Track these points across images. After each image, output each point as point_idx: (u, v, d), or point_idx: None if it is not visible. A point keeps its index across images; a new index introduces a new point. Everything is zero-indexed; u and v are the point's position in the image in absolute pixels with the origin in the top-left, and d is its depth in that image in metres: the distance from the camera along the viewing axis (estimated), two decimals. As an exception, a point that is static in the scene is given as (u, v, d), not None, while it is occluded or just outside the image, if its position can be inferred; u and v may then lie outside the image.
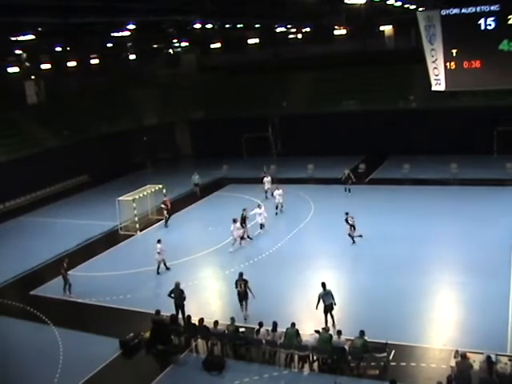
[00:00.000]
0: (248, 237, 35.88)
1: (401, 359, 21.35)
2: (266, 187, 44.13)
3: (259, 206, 37.20)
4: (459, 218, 36.44)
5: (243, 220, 35.68)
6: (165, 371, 22.62)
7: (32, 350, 25.21)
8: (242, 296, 25.87)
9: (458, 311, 25.51)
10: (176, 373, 22.57)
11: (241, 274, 26.34)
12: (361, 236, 33.35)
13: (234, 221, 34.34)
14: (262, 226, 36.99)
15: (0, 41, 40.50)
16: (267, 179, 44.43)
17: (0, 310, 29.69)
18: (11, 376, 23.31)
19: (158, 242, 32.06)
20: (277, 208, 40.37)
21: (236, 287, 26.01)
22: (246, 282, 25.90)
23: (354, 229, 33.42)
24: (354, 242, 33.43)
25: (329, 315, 24.21)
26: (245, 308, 25.92)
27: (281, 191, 40.17)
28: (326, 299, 24.06)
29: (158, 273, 31.90)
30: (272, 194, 42.80)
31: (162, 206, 40.38)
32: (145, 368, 23.14)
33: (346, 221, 33.37)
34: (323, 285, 24.44)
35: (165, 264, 32.17)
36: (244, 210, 36.46)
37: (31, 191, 51.45)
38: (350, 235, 33.44)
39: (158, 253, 31.77)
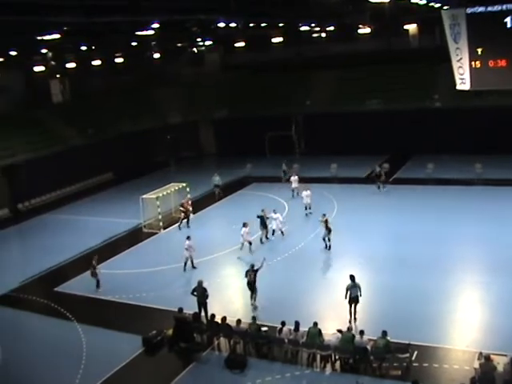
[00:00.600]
0: (266, 237, 35.53)
1: (423, 360, 21.24)
2: (293, 186, 44.12)
3: (274, 211, 36.36)
4: (483, 218, 36.11)
5: (263, 220, 35.28)
6: (187, 369, 22.71)
7: (55, 346, 25.45)
8: (252, 286, 26.93)
9: (481, 312, 25.30)
10: (198, 371, 22.63)
11: (252, 266, 27.24)
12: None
13: (244, 224, 33.67)
14: (274, 231, 36.04)
15: (26, 40, 40.90)
16: (294, 178, 44.40)
17: (25, 305, 30.09)
18: (35, 372, 23.53)
19: (188, 238, 32.15)
20: (306, 209, 40.06)
21: (246, 277, 27.09)
22: (255, 272, 26.99)
23: (330, 232, 33.01)
24: (327, 247, 33.21)
25: (353, 307, 24.76)
26: (254, 298, 27.04)
27: (309, 192, 39.96)
28: (353, 291, 24.62)
29: (185, 270, 31.94)
30: (298, 194, 43.06)
31: (181, 208, 39.99)
32: (167, 365, 23.25)
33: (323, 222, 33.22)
34: (352, 277, 24.87)
35: (192, 262, 32.18)
36: (262, 210, 35.81)
37: (56, 189, 52.02)
38: (324, 239, 33.22)
39: (186, 249, 31.81)
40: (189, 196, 42.02)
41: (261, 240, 35.16)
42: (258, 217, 35.33)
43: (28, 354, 24.94)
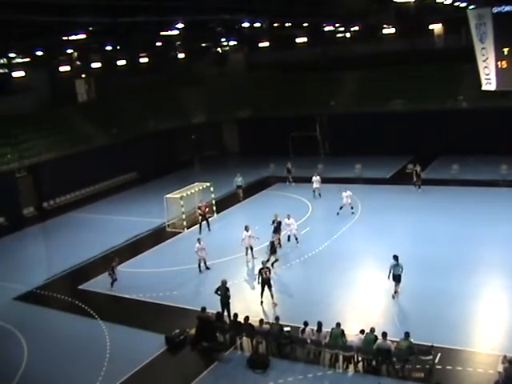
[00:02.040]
0: (279, 244, 33.99)
1: (447, 363, 21.06)
2: (314, 186, 44.09)
3: (288, 217, 34.70)
4: (508, 220, 35.74)
5: (278, 226, 34.08)
6: (209, 368, 22.75)
7: (79, 343, 25.65)
8: (266, 283, 27.17)
9: (506, 315, 24.97)
10: (220, 370, 22.67)
11: (264, 263, 27.94)
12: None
13: (246, 228, 32.97)
14: (289, 237, 34.90)
15: (52, 40, 41.32)
16: (316, 178, 44.32)
17: (49, 303, 30.43)
18: (58, 369, 23.74)
19: (198, 241, 32.27)
20: (341, 208, 39.51)
21: (259, 275, 27.34)
22: (269, 269, 27.56)
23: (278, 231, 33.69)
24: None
25: (395, 285, 26.84)
26: (271, 296, 27.32)
27: (349, 192, 39.56)
28: (396, 270, 26.52)
29: (200, 271, 32.13)
30: (320, 195, 43.43)
31: (198, 211, 39.70)
32: (189, 364, 23.35)
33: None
34: (395, 257, 26.66)
35: (205, 263, 32.32)
36: (275, 215, 34.56)
37: (81, 188, 52.48)
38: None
39: (196, 252, 31.98)
40: (208, 198, 41.78)
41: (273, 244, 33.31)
42: (273, 222, 34.19)
43: (52, 350, 25.23)
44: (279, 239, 33.85)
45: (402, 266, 26.47)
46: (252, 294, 29.43)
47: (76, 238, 40.30)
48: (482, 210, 38.23)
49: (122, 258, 34.33)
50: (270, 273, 27.35)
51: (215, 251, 33.48)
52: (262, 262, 27.84)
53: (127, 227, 41.04)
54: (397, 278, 26.62)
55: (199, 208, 39.70)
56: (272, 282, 27.40)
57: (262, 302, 27.37)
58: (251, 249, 33.17)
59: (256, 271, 28.89)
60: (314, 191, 44.27)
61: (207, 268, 32.32)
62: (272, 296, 27.30)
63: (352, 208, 39.74)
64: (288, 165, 49.93)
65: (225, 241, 36.11)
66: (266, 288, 27.25)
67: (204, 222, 39.36)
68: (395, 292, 26.81)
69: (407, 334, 20.92)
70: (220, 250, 34.06)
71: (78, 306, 29.24)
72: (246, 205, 45.33)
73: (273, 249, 31.93)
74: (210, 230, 39.24)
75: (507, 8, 22.32)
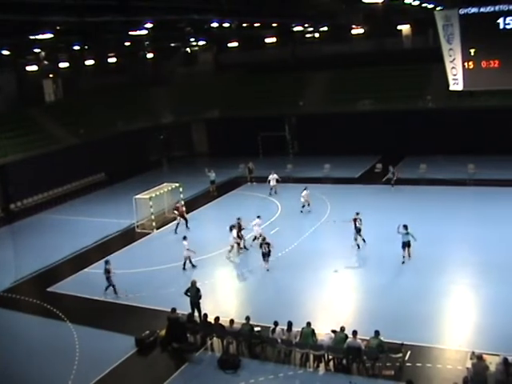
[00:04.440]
0: (244, 247, 34.49)
1: (416, 360, 21.27)
2: (271, 184, 44.82)
3: (259, 217, 35.26)
4: (476, 219, 36.25)
5: (239, 229, 34.19)
6: (180, 369, 22.66)
7: (48, 346, 25.38)
8: (266, 255, 30.81)
9: (474, 312, 25.36)
10: (191, 371, 22.57)
11: (264, 239, 31.42)
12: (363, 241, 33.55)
13: (231, 228, 33.78)
14: (255, 238, 34.50)
15: (19, 40, 40.82)
16: (272, 176, 44.93)
17: (17, 306, 29.96)
18: (27, 372, 23.43)
19: (184, 238, 32.25)
20: (309, 205, 40.35)
21: (261, 248, 30.98)
22: (268, 244, 30.79)
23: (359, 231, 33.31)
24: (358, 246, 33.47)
25: (406, 250, 30.14)
26: (267, 262, 30.90)
27: (305, 192, 39.90)
28: (405, 237, 29.73)
29: (184, 268, 32.00)
30: (276, 192, 44.62)
31: (175, 211, 39.69)
32: (160, 366, 23.20)
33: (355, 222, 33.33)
34: (405, 226, 29.70)
35: (190, 261, 32.21)
36: (239, 219, 34.60)
37: (49, 189, 51.74)
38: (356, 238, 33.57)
39: (188, 249, 31.89)
40: (178, 199, 41.59)
41: (238, 246, 34.21)
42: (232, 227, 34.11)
43: (20, 354, 24.84)
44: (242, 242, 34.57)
45: (411, 234, 29.64)
46: (223, 294, 29.48)
47: (44, 240, 39.85)
48: (449, 209, 38.66)
49: (92, 259, 34.08)
50: (269, 246, 30.73)
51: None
52: (263, 238, 31.47)
53: (96, 228, 40.66)
54: (407, 244, 29.85)
55: (176, 209, 39.63)
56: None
57: (266, 267, 30.96)
58: (238, 245, 33.92)
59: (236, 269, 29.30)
60: (271, 189, 44.91)
61: (193, 266, 32.20)
62: (267, 262, 30.88)
63: (309, 205, 40.23)
64: (249, 164, 50.27)
65: (194, 241, 35.93)
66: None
67: (180, 222, 39.32)
68: (408, 256, 30.22)
69: (377, 333, 21.06)
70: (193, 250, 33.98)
71: (47, 309, 28.85)
72: (215, 205, 45.27)
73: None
74: (188, 228, 39.15)
75: (473, 10, 22.59)
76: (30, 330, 27.46)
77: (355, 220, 33.03)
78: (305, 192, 40.21)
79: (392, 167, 45.20)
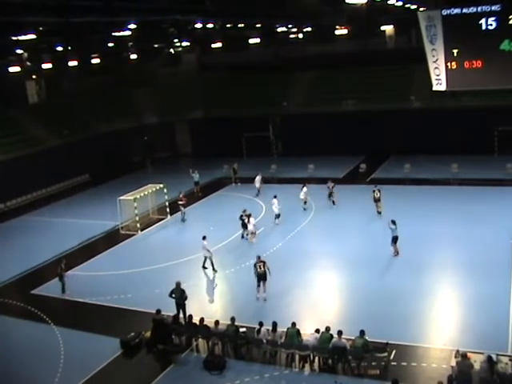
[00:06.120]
0: (245, 235, 36.14)
1: (401, 359, 21.36)
2: (257, 185, 45.21)
3: (275, 197, 38.49)
4: (460, 218, 36.47)
5: (248, 219, 35.69)
6: (165, 371, 22.61)
7: (33, 349, 25.19)
8: (262, 277, 27.22)
9: (458, 311, 25.53)
10: (177, 372, 22.54)
11: (258, 257, 27.86)
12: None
13: (247, 217, 35.58)
14: (276, 216, 38.26)
15: (1, 40, 40.47)
16: (258, 178, 45.42)
17: (1, 309, 29.68)
18: (12, 376, 23.27)
19: (204, 238, 32.01)
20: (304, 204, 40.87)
21: (255, 269, 27.32)
22: (264, 262, 27.42)
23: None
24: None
25: (395, 245, 31.00)
26: (263, 290, 27.36)
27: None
28: (394, 232, 30.82)
29: (204, 267, 31.98)
30: (260, 193, 45.11)
31: (180, 202, 40.96)
32: (145, 367, 23.13)
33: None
34: (393, 222, 30.82)
35: (212, 263, 31.82)
36: (244, 211, 36.58)
37: (32, 190, 51.33)
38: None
39: (208, 250, 31.77)
40: (162, 200, 42.33)
41: (242, 236, 36.15)
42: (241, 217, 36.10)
43: (4, 357, 24.68)
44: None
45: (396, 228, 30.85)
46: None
47: (28, 242, 39.54)
48: (433, 208, 38.89)
49: (76, 261, 33.93)
50: (264, 266, 27.29)
51: (170, 253, 33.55)
52: (258, 256, 27.89)
53: (80, 230, 40.46)
54: (395, 240, 30.84)
55: (181, 199, 40.99)
56: (268, 276, 27.42)
57: (257, 298, 27.50)
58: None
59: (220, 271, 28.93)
60: (258, 190, 45.29)
61: (214, 270, 31.81)
62: (264, 290, 27.38)
63: (305, 203, 40.55)
64: (234, 165, 50.36)
65: (179, 241, 35.97)
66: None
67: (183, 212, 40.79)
68: (397, 253, 31.10)
69: (362, 332, 21.10)
70: (176, 251, 33.97)
71: (31, 312, 28.67)
72: (199, 206, 45.17)
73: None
74: (184, 220, 40.80)
75: (456, 10, 22.68)
76: (14, 332, 27.27)
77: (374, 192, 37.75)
78: (304, 190, 40.57)
79: (330, 181, 42.75)
